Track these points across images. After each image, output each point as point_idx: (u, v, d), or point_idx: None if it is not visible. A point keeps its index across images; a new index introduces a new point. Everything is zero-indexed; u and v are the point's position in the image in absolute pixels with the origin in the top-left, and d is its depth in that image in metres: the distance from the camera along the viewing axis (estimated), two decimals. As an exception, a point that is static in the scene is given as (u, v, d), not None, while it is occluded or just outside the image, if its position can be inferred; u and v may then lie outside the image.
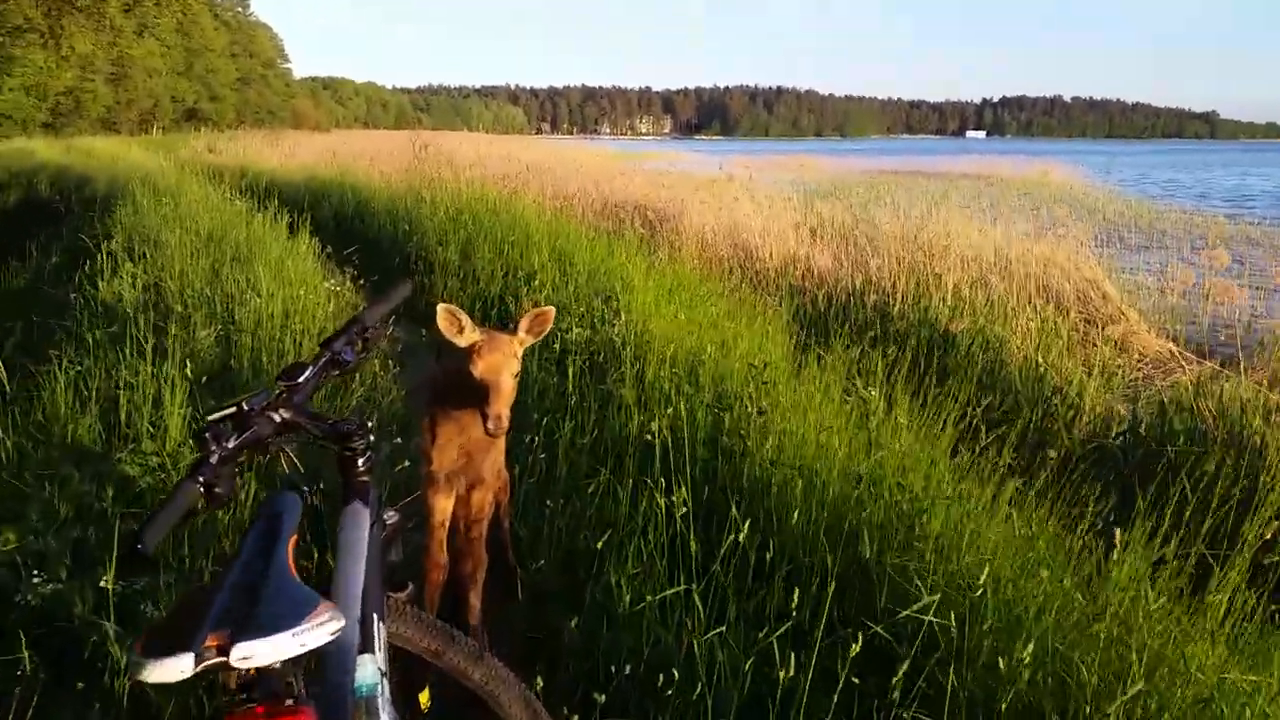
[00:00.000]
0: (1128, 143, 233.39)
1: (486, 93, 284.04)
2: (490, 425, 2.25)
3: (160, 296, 5.21)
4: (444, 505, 2.64)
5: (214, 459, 1.34)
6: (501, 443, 2.69)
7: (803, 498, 2.89)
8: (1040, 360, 5.88)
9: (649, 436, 3.09)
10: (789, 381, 4.07)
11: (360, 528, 1.55)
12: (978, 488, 3.17)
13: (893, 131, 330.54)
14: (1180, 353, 6.77)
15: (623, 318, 4.89)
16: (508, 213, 8.10)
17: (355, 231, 9.87)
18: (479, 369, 2.30)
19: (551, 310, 2.41)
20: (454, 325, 2.34)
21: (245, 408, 1.47)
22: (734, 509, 2.52)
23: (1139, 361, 6.76)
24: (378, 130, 65.60)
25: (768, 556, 2.60)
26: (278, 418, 1.52)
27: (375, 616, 1.45)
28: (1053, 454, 3.74)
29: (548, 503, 3.25)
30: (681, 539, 2.59)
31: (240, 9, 75.57)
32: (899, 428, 3.58)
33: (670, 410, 3.30)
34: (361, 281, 6.83)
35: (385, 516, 1.75)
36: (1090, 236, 9.02)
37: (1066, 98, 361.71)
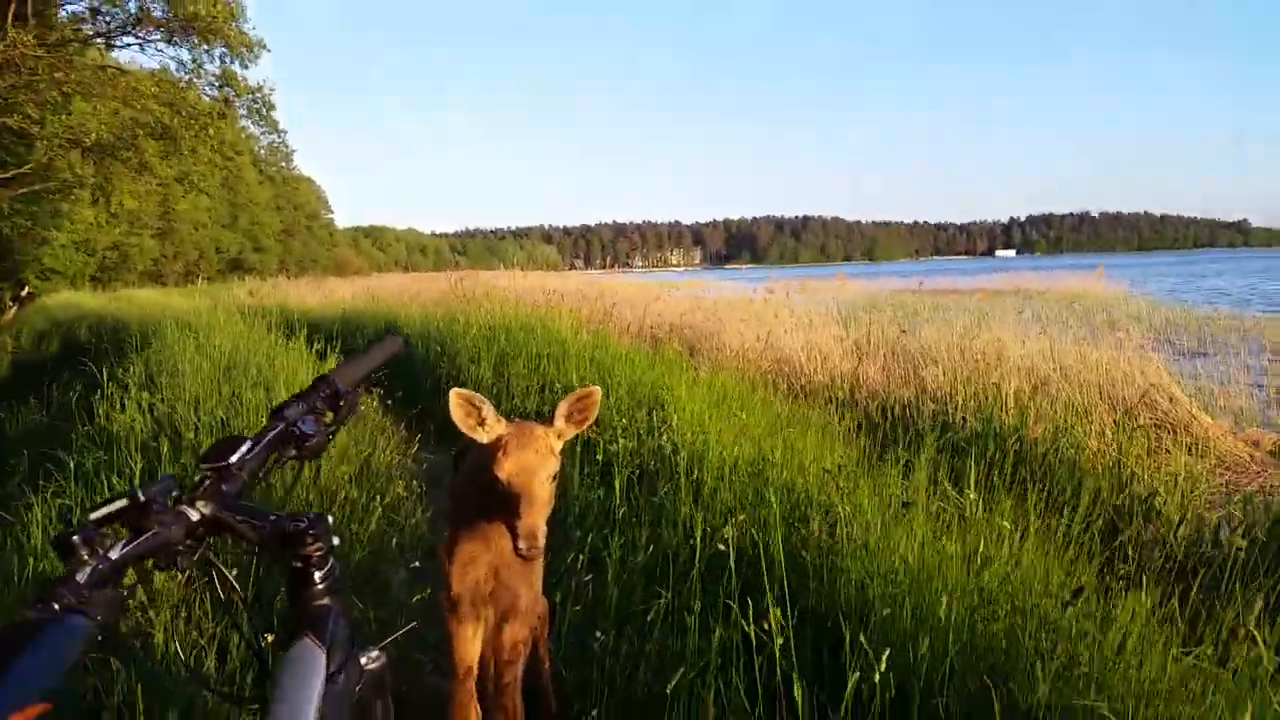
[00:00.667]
0: (1160, 254, 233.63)
1: (521, 234, 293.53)
2: (522, 544, 1.77)
3: (171, 423, 4.85)
4: (470, 642, 2.11)
5: (82, 575, 0.90)
6: (538, 563, 2.20)
7: (912, 617, 2.34)
8: (1124, 464, 5.38)
9: (721, 545, 2.55)
10: (868, 488, 3.55)
11: (309, 676, 1.05)
12: (1105, 606, 2.63)
13: (921, 254, 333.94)
14: (1262, 455, 6.39)
15: (672, 424, 4.45)
16: (543, 329, 7.80)
17: (387, 360, 9.49)
18: (506, 470, 1.84)
19: (596, 391, 1.95)
20: (472, 416, 1.89)
21: (142, 499, 1.02)
22: (851, 635, 1.98)
23: (1218, 466, 6.31)
24: (417, 272, 67.32)
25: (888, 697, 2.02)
26: (194, 514, 1.08)
27: None
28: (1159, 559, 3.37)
29: (597, 634, 2.68)
30: (781, 677, 2.03)
31: (284, 164, 79.21)
32: (1004, 536, 3.05)
33: (742, 517, 2.78)
34: (389, 402, 6.47)
35: (363, 658, 1.27)
36: (1143, 342, 8.70)
37: (1094, 213, 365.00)
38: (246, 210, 65.74)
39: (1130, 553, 3.69)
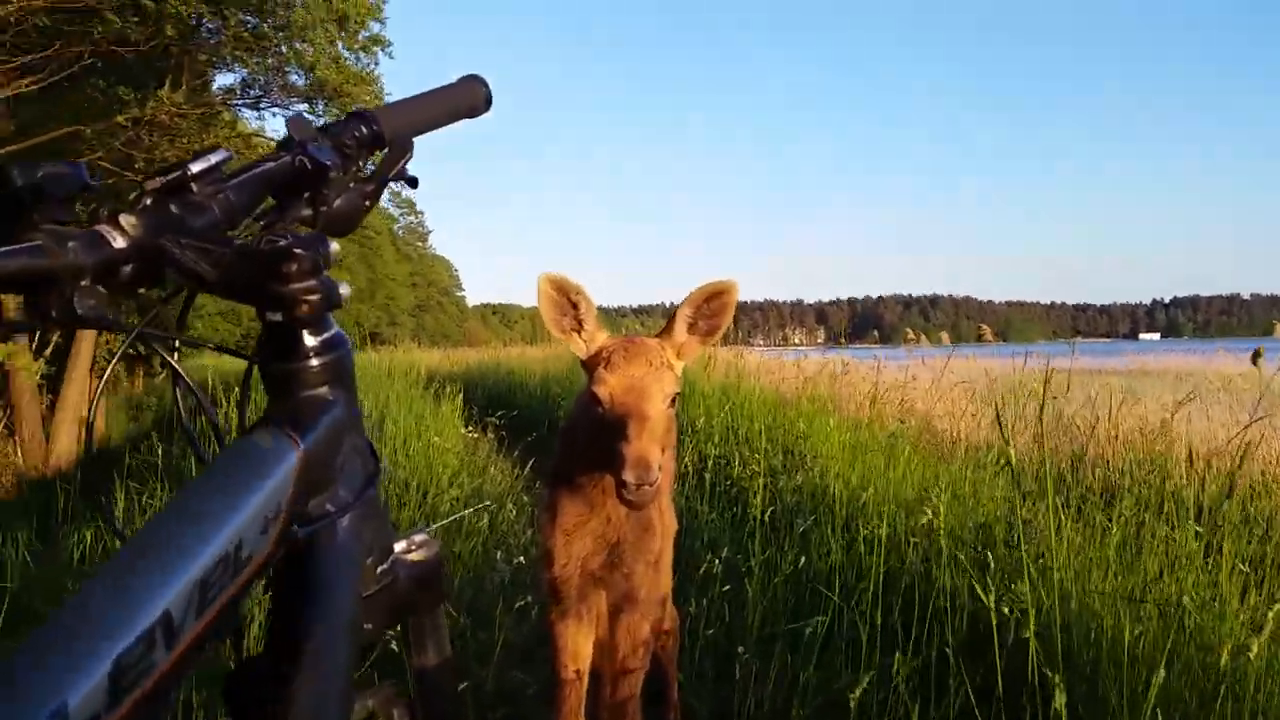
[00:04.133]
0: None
1: (643, 311, 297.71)
2: (629, 474, 1.31)
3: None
4: (577, 639, 1.66)
5: None
6: (666, 544, 1.72)
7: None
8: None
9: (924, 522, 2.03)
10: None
11: (260, 465, 0.69)
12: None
13: (1059, 335, 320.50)
14: None
15: (810, 463, 4.02)
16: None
17: (506, 402, 9.43)
18: (609, 387, 1.42)
19: (733, 284, 1.48)
20: (567, 315, 1.47)
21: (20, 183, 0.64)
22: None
23: None
24: (541, 344, 68.79)
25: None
26: (117, 237, 0.69)
27: None
28: None
29: (741, 651, 2.15)
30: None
31: (421, 244, 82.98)
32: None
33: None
34: (504, 435, 6.24)
35: (401, 542, 0.91)
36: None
37: (1245, 295, 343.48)
38: (384, 286, 68.82)
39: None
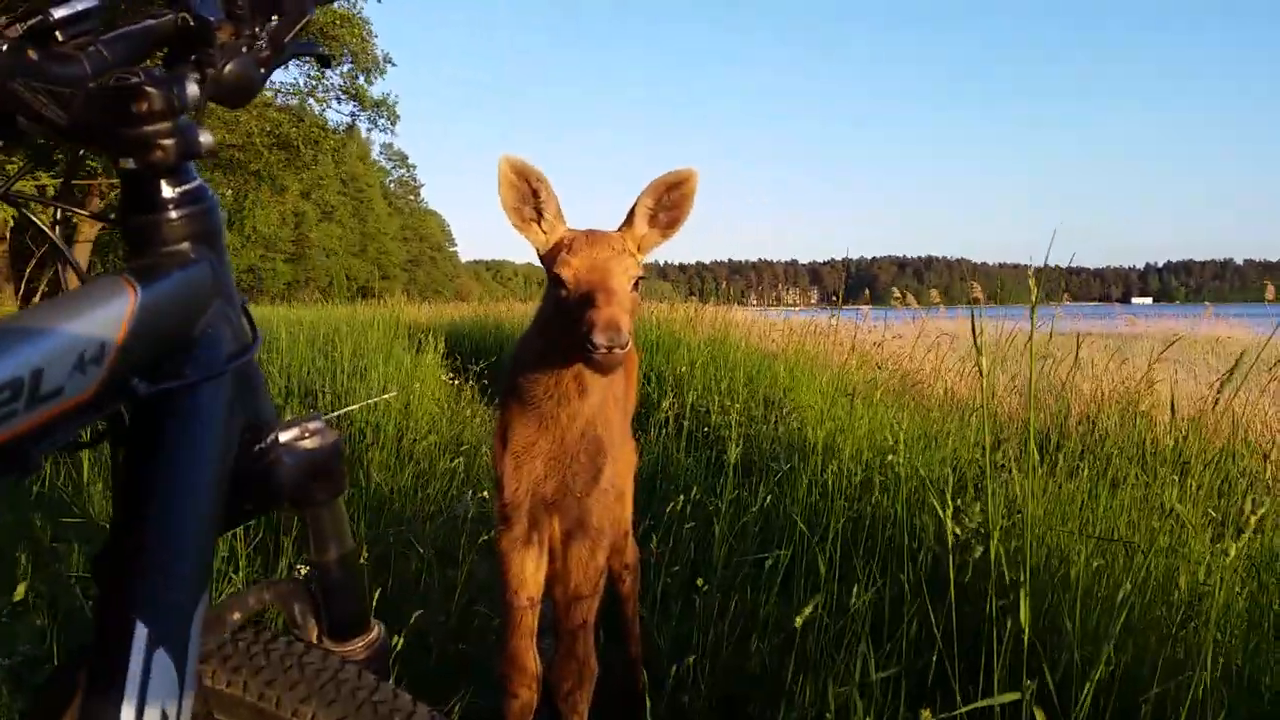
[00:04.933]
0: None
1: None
2: (600, 336, 1.29)
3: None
4: (527, 565, 1.63)
5: None
6: (626, 477, 1.72)
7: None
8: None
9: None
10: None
11: (89, 307, 0.65)
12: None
13: (1051, 299, 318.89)
14: None
15: (794, 417, 4.03)
16: (655, 325, 7.43)
17: (490, 352, 9.41)
18: (573, 268, 1.40)
19: (693, 172, 1.46)
20: (527, 203, 1.43)
21: None
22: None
23: None
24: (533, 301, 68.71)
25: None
26: None
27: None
28: None
29: (701, 583, 2.15)
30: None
31: (412, 198, 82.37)
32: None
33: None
34: (485, 384, 6.24)
35: (290, 430, 0.90)
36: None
37: (1238, 260, 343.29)
38: (375, 240, 68.41)
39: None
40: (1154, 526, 2.67)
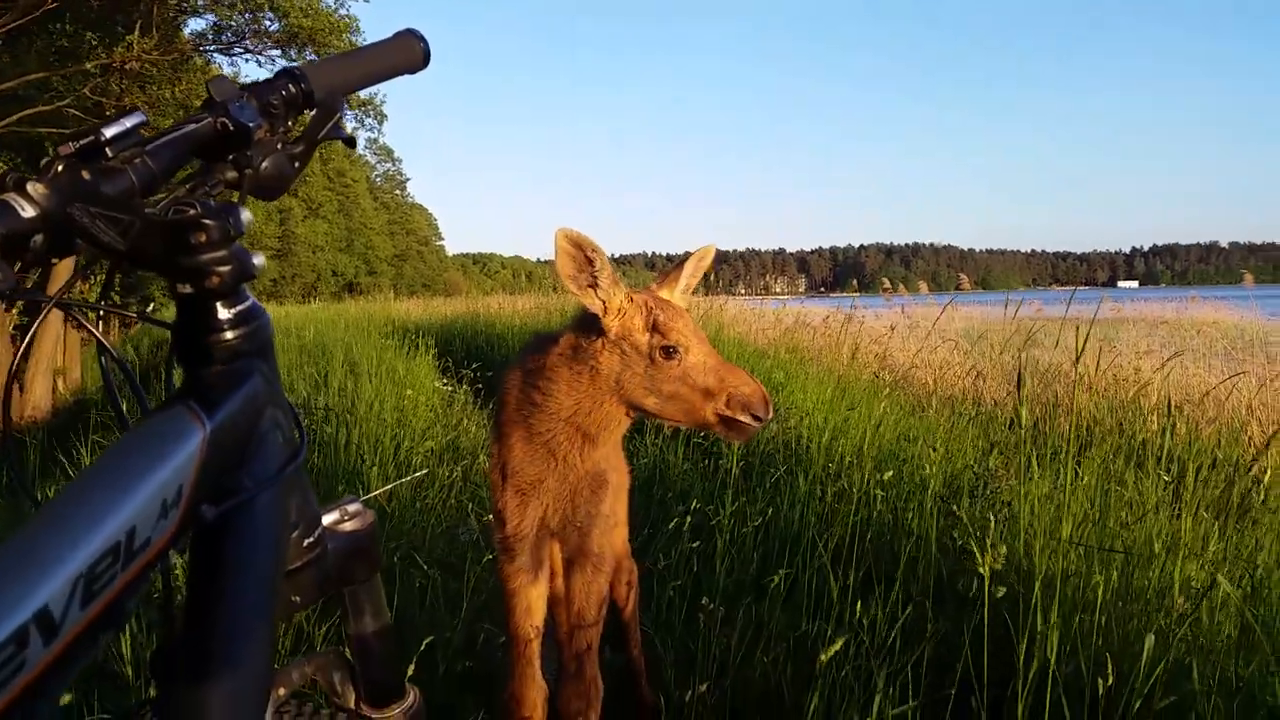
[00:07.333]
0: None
1: (625, 261, 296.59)
2: (765, 410, 1.45)
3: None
4: (531, 595, 1.65)
5: None
6: (620, 500, 1.75)
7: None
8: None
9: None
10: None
11: (161, 445, 0.67)
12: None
13: (1039, 283, 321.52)
14: None
15: (791, 419, 4.04)
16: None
17: (482, 355, 9.42)
18: (678, 332, 1.50)
19: (713, 248, 1.69)
20: (584, 271, 1.50)
21: None
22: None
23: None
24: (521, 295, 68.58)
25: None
26: (25, 206, 0.65)
27: None
28: None
29: (706, 601, 2.17)
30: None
31: (399, 192, 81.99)
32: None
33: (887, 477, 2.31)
34: (480, 387, 6.24)
35: (332, 514, 0.92)
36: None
37: (1223, 243, 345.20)
38: (362, 234, 68.04)
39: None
40: (1150, 530, 2.70)
